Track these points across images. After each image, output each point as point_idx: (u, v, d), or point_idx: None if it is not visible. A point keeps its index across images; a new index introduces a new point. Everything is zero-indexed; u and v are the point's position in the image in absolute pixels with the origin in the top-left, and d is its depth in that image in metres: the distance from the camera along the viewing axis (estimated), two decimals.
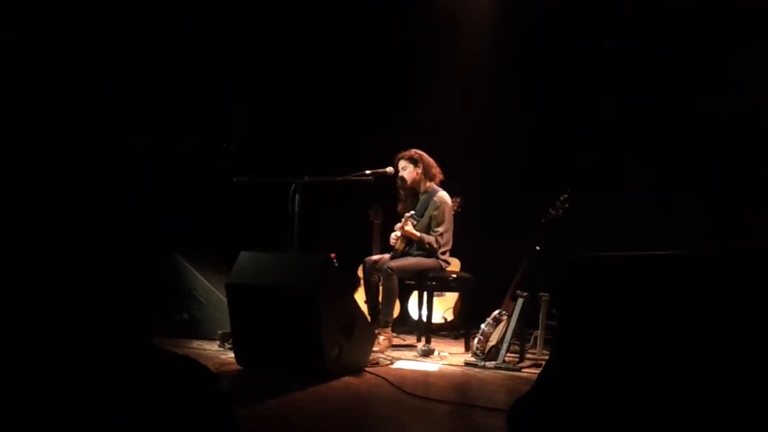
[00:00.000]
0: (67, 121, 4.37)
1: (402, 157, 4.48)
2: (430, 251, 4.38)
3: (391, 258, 4.38)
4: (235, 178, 4.35)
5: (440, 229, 4.39)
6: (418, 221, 4.40)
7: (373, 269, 4.37)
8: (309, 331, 3.28)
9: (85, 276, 4.18)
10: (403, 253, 4.43)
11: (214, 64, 5.35)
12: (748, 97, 4.32)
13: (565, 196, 3.93)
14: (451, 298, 5.16)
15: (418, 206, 4.48)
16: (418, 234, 4.37)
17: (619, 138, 4.78)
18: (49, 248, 4.09)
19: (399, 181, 4.50)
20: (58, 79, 4.34)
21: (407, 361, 3.88)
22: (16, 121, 4.11)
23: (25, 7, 4.18)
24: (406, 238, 4.41)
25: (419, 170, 4.45)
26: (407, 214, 4.35)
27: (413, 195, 4.54)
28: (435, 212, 4.41)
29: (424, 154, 4.48)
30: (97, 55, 4.54)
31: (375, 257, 4.50)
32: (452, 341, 4.79)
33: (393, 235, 4.51)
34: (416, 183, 4.49)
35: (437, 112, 5.36)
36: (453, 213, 4.56)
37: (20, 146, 4.12)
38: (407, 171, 4.46)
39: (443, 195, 4.46)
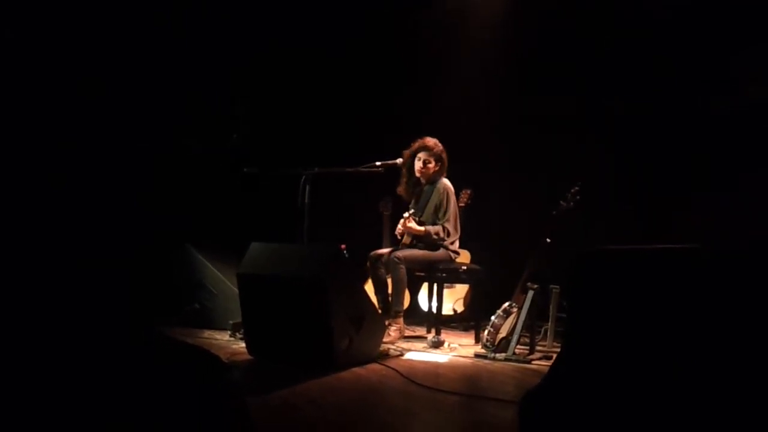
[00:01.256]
0: (73, 119, 4.38)
1: (426, 149, 4.39)
2: (437, 244, 4.36)
3: (398, 249, 4.38)
4: (245, 169, 4.36)
5: (447, 216, 4.36)
6: (419, 216, 4.39)
7: (378, 263, 4.35)
8: (319, 322, 3.29)
9: (97, 268, 4.22)
10: (411, 246, 4.42)
11: (221, 55, 5.35)
12: (749, 97, 4.30)
13: (576, 188, 3.92)
14: (461, 289, 5.16)
15: (423, 196, 4.47)
16: (422, 228, 4.35)
17: (627, 133, 4.76)
18: (61, 241, 4.12)
19: (406, 168, 4.45)
20: (58, 79, 4.35)
21: (417, 352, 3.89)
22: (19, 121, 4.13)
23: (25, 7, 4.19)
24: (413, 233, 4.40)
25: (437, 168, 4.42)
26: (407, 214, 4.32)
27: (417, 181, 4.51)
28: (439, 200, 4.38)
29: (444, 151, 4.44)
30: (97, 54, 4.55)
31: (380, 251, 4.48)
32: (462, 333, 4.79)
33: (399, 226, 4.49)
34: (428, 176, 4.46)
35: (447, 102, 5.34)
36: (463, 205, 4.55)
37: (36, 146, 4.14)
38: (429, 165, 4.40)
39: (446, 182, 4.43)
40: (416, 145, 4.44)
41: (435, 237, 4.34)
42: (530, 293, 3.75)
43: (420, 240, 4.41)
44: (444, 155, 4.42)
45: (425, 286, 4.95)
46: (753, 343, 1.75)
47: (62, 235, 4.13)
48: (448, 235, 4.37)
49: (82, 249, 4.20)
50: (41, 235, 4.03)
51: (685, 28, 4.51)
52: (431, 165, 4.41)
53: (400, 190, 4.55)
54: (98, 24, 4.51)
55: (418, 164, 4.43)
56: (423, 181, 4.49)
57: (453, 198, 4.43)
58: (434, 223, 4.40)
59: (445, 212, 4.37)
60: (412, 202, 4.53)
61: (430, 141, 4.42)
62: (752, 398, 1.72)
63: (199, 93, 5.25)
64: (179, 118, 5.18)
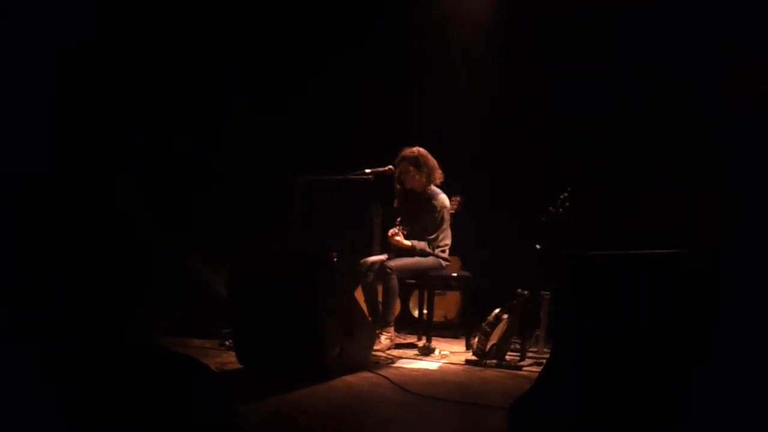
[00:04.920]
0: (62, 119, 4.37)
1: (404, 160, 4.41)
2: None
3: (389, 258, 4.37)
4: (238, 175, 4.36)
5: (435, 234, 4.40)
6: (409, 226, 4.41)
7: (369, 271, 4.35)
8: (309, 330, 3.28)
9: (87, 274, 4.19)
10: (402, 252, 4.42)
11: (210, 61, 5.34)
12: (749, 91, 4.31)
13: (566, 194, 3.93)
14: (451, 296, 5.16)
15: (415, 208, 4.47)
16: (409, 243, 4.38)
17: (621, 134, 4.77)
18: (51, 245, 4.10)
19: (398, 183, 4.48)
20: (57, 78, 4.34)
21: (408, 359, 3.88)
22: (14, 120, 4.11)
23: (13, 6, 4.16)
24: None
25: (423, 177, 4.42)
26: (394, 230, 4.36)
27: (410, 192, 4.52)
28: (432, 216, 4.41)
29: (428, 156, 4.44)
30: (94, 53, 4.54)
31: (371, 258, 4.48)
32: (453, 340, 4.78)
33: (391, 231, 4.50)
34: (415, 183, 4.47)
35: (437, 108, 5.35)
36: (453, 211, 4.56)
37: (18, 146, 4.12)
38: (409, 175, 4.42)
39: (443, 199, 4.44)
40: (397, 159, 4.46)
41: (420, 251, 4.38)
42: (520, 300, 3.76)
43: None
44: (422, 159, 4.41)
45: (415, 293, 4.96)
46: (739, 345, 1.76)
47: (54, 241, 4.11)
48: (435, 248, 4.41)
49: (73, 256, 4.18)
50: (34, 241, 4.01)
51: (665, 27, 4.54)
52: (411, 174, 4.41)
53: (396, 204, 4.58)
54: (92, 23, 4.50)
55: (404, 176, 4.45)
56: (417, 190, 4.50)
57: (447, 215, 4.46)
58: (423, 235, 4.41)
59: (435, 229, 4.41)
60: (402, 213, 4.54)
61: (405, 150, 4.44)
62: (740, 399, 1.72)
63: (191, 91, 5.23)
64: (169, 121, 5.17)
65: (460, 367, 3.72)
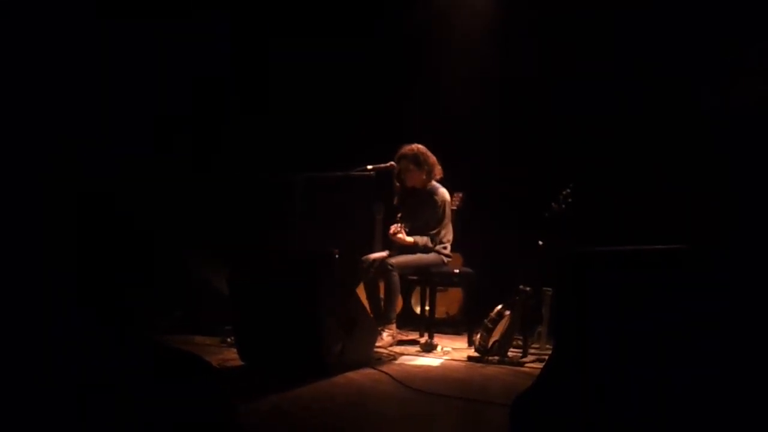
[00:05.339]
0: (61, 120, 4.37)
1: (404, 158, 4.41)
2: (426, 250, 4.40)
3: (390, 255, 4.38)
4: (238, 175, 4.37)
5: (437, 230, 4.40)
6: (410, 223, 4.41)
7: (370, 268, 4.36)
8: (310, 327, 3.29)
9: (87, 272, 4.20)
10: (403, 249, 4.43)
11: (213, 57, 5.35)
12: (749, 91, 4.32)
13: (568, 190, 3.93)
14: (453, 292, 5.16)
15: (416, 204, 4.48)
16: (411, 240, 4.36)
17: (623, 131, 4.78)
18: (51, 243, 4.11)
19: (398, 180, 4.49)
20: (59, 78, 4.35)
21: (410, 356, 3.89)
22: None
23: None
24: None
25: (423, 174, 4.43)
26: (396, 227, 4.35)
27: (411, 189, 4.53)
28: (434, 211, 4.41)
29: (427, 153, 4.43)
30: (94, 52, 4.55)
31: (372, 256, 4.48)
32: (455, 336, 4.79)
33: (392, 227, 4.50)
34: (417, 181, 4.48)
35: (437, 107, 5.36)
36: (454, 208, 4.57)
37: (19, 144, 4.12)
38: (410, 173, 4.41)
39: (444, 194, 4.44)
40: (396, 156, 4.44)
41: (422, 247, 4.38)
42: (523, 296, 3.76)
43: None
44: (421, 156, 4.40)
45: (417, 289, 4.96)
46: (740, 345, 1.77)
47: (62, 231, 4.11)
48: (438, 243, 4.41)
49: (83, 245, 4.19)
50: (33, 241, 4.02)
51: (665, 27, 4.55)
52: (412, 172, 4.41)
53: (396, 201, 4.58)
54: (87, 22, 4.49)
55: (404, 174, 4.45)
56: (418, 187, 4.50)
57: (448, 210, 4.46)
58: (424, 230, 4.41)
59: (437, 224, 4.40)
60: (402, 210, 4.54)
61: (405, 147, 4.43)
62: (740, 399, 1.73)
63: (190, 88, 5.23)
64: (170, 120, 5.17)
65: (462, 364, 3.72)
